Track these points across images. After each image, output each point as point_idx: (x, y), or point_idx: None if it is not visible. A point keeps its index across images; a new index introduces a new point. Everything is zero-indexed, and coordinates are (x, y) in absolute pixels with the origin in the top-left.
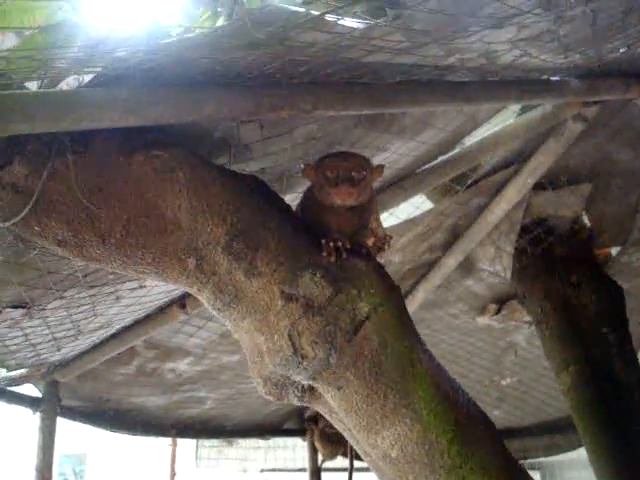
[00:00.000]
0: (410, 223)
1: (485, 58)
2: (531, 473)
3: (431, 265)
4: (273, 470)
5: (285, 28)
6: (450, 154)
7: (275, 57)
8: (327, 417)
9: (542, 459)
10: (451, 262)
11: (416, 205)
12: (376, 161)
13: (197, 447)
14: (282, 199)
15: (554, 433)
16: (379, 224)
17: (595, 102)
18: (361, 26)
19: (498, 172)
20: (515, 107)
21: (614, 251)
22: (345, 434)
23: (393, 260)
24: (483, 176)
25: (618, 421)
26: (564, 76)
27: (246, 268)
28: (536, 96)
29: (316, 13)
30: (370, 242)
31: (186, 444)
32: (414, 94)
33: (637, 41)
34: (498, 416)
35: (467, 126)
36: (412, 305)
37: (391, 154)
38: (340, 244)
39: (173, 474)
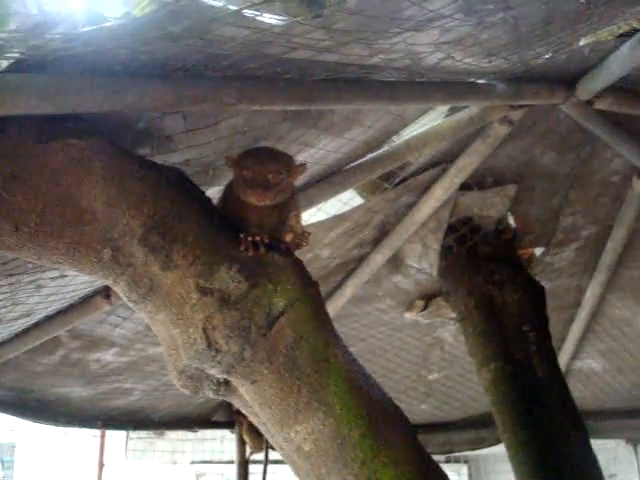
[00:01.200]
0: (338, 219)
1: (409, 59)
2: (458, 466)
3: (360, 261)
4: (202, 462)
5: (201, 22)
6: (378, 152)
7: (196, 50)
8: (243, 410)
9: (469, 453)
10: (379, 258)
11: (344, 201)
12: (303, 156)
13: (127, 439)
14: (203, 192)
15: (479, 428)
16: (298, 220)
17: (521, 106)
18: (280, 23)
19: (426, 171)
20: (443, 108)
21: (538, 252)
22: (261, 427)
23: (322, 255)
24: (411, 175)
25: (536, 418)
26: (490, 80)
27: (162, 260)
28: (462, 98)
29: (234, 8)
30: (288, 238)
31: (116, 436)
32: (340, 92)
33: (559, 48)
34: (425, 410)
35: (395, 125)
36: (341, 300)
37: (319, 150)
38: (258, 239)
39: (101, 465)
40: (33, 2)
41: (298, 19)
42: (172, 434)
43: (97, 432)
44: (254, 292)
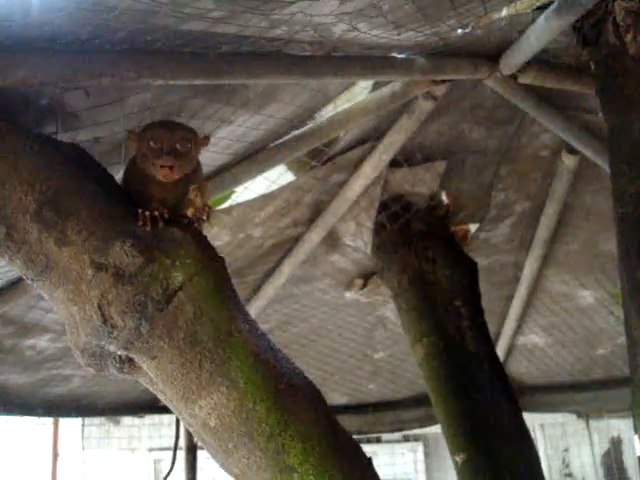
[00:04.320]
0: (267, 198)
1: (314, 31)
2: (414, 444)
3: (296, 240)
4: (160, 449)
5: None
6: (302, 129)
7: (85, 22)
8: (150, 389)
9: (425, 431)
10: (314, 237)
11: (272, 179)
12: (223, 133)
13: (82, 427)
14: (104, 169)
15: (428, 405)
16: (199, 194)
17: (443, 81)
18: None
19: (354, 149)
20: (366, 84)
21: (473, 228)
22: (168, 405)
23: (254, 234)
24: (339, 152)
25: (468, 392)
26: (411, 54)
27: (56, 237)
28: (380, 73)
29: None
30: (189, 213)
31: (70, 424)
32: (249, 66)
33: (471, 21)
34: (373, 389)
35: (317, 101)
36: (279, 280)
37: (237, 127)
38: (157, 213)
39: (56, 455)
40: None
41: None
42: (128, 421)
43: (46, 420)
44: (150, 267)
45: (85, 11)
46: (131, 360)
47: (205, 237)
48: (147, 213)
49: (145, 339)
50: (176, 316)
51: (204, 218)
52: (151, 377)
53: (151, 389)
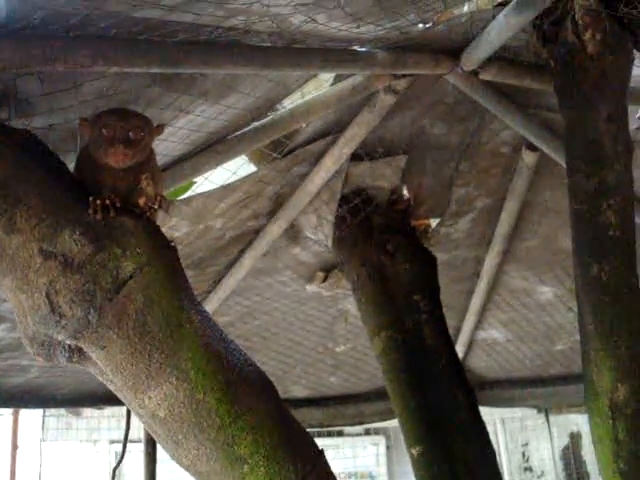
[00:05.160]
0: (227, 189)
1: (272, 22)
2: (376, 438)
3: (257, 232)
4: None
5: None
6: (262, 120)
7: (36, 7)
8: (100, 378)
9: (387, 424)
10: (275, 230)
11: (232, 171)
12: (181, 123)
13: (43, 418)
14: (57, 156)
15: (389, 399)
16: (152, 184)
17: (404, 75)
18: None
19: (315, 141)
20: (327, 76)
21: (434, 223)
22: (118, 395)
23: (215, 226)
24: (300, 145)
25: (425, 385)
26: (372, 48)
27: (5, 224)
28: (340, 66)
29: None
30: (141, 202)
31: (30, 416)
32: (206, 55)
33: (431, 15)
34: (334, 383)
35: (277, 93)
36: (240, 272)
37: (196, 117)
38: (108, 202)
39: (15, 447)
40: None
41: None
42: (88, 412)
43: (4, 411)
44: (99, 256)
45: None
46: (80, 349)
47: (157, 227)
48: (98, 201)
49: (94, 329)
50: (126, 306)
51: (156, 207)
52: (100, 367)
53: (101, 379)
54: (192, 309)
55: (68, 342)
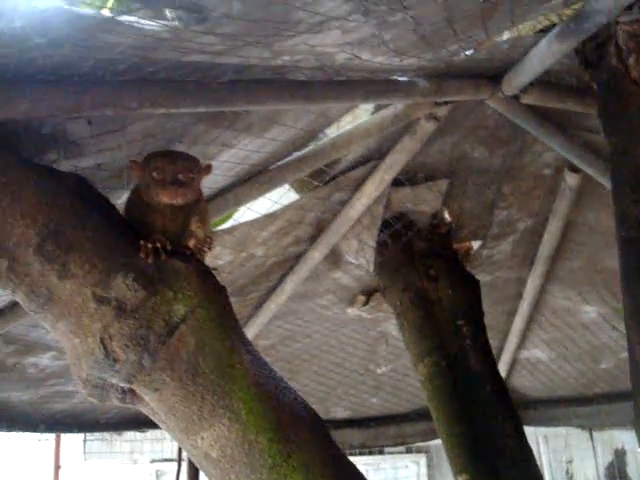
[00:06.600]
0: (269, 217)
1: (316, 60)
2: (418, 456)
3: (298, 258)
4: (163, 460)
5: (76, 30)
6: (304, 151)
7: (86, 56)
8: (152, 418)
9: (428, 443)
10: (317, 255)
11: (274, 200)
12: (225, 157)
13: (85, 440)
14: (106, 199)
15: (430, 419)
16: (201, 226)
17: (445, 102)
18: (157, 28)
19: (356, 168)
20: (368, 106)
21: (476, 245)
22: (170, 435)
23: (256, 253)
24: (341, 172)
25: (470, 411)
26: (412, 77)
27: (58, 270)
28: (383, 96)
29: (108, 15)
30: (191, 243)
31: (73, 438)
32: (250, 93)
33: (474, 46)
34: (376, 403)
35: (319, 123)
36: (281, 297)
37: (239, 150)
38: (159, 245)
39: (58, 467)
40: None
41: (178, 25)
42: (130, 434)
43: (48, 436)
44: (152, 300)
45: (85, 48)
46: (133, 391)
47: (207, 268)
48: (149, 245)
49: (147, 372)
50: (178, 349)
51: (206, 249)
52: (153, 408)
53: (153, 419)
54: (242, 349)
55: (121, 385)
